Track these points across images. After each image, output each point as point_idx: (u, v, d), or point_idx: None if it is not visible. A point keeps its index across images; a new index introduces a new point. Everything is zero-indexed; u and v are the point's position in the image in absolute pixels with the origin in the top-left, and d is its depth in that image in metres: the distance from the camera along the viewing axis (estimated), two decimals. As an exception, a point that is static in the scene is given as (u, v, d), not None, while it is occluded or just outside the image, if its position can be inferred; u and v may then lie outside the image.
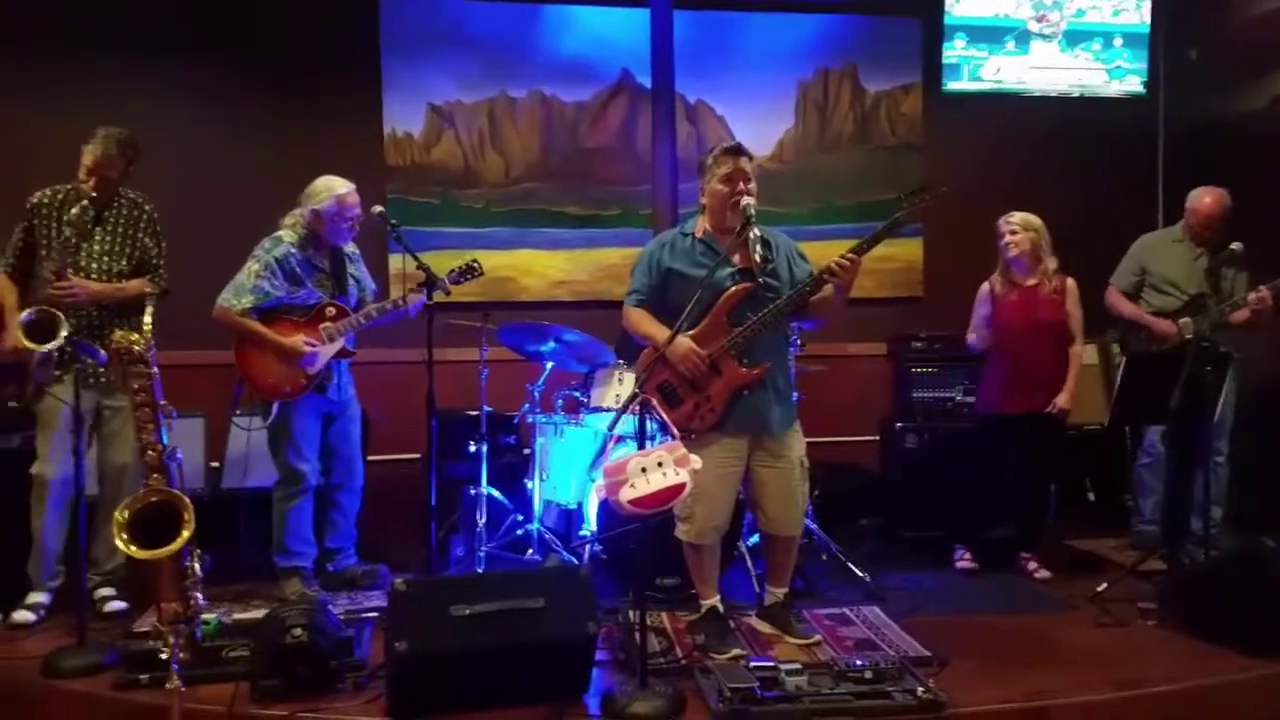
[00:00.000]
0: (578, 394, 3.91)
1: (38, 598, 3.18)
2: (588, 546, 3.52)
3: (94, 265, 3.27)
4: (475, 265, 3.56)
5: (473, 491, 3.69)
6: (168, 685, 2.33)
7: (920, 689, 2.46)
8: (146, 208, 3.41)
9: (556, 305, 4.68)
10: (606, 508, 3.31)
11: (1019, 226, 3.63)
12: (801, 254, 3.05)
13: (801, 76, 4.97)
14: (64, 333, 2.97)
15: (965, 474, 3.70)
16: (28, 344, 2.93)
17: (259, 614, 2.76)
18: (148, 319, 2.65)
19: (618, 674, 2.71)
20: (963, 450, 3.92)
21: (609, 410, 3.64)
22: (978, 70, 4.92)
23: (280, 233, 3.40)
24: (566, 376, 4.04)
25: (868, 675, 2.52)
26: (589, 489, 3.62)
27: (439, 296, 3.35)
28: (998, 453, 3.65)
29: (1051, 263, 3.67)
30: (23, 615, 3.12)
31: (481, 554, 3.57)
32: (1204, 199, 3.95)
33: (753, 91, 4.93)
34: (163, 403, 2.62)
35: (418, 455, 4.09)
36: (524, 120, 4.81)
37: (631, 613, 2.85)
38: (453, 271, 3.49)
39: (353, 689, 2.57)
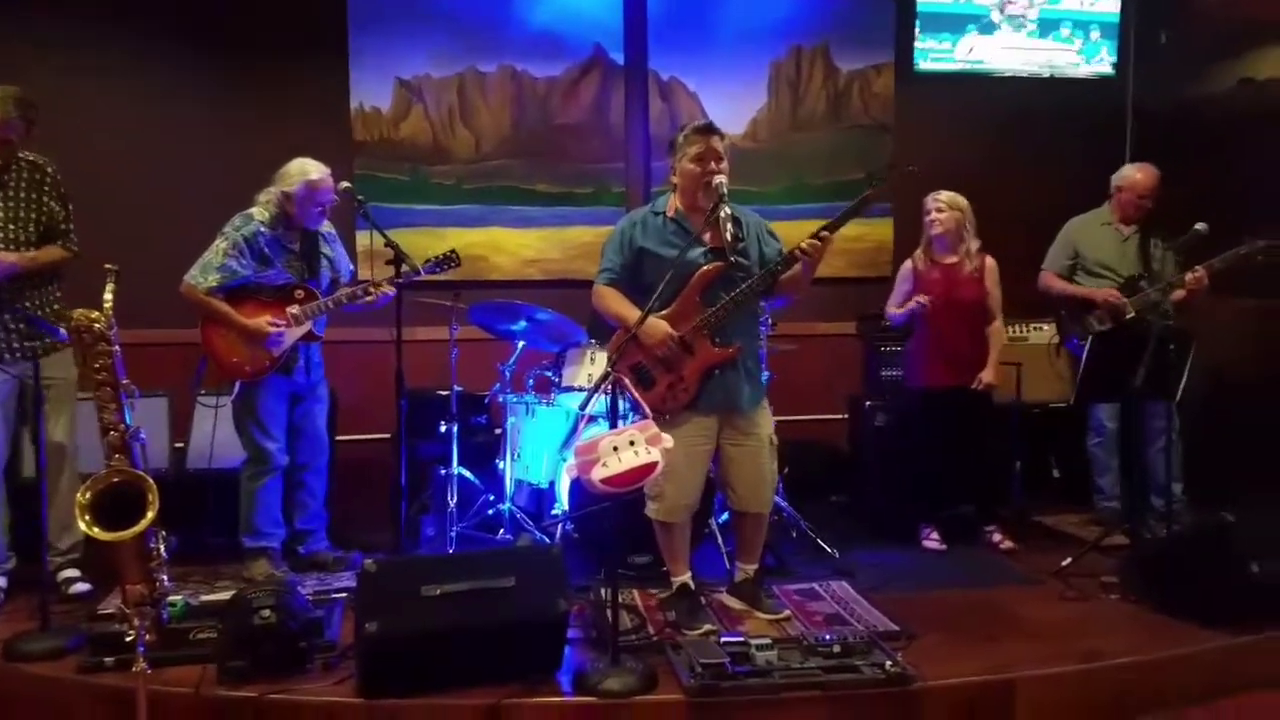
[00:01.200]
0: (549, 373, 3.89)
1: (-11, 578, 3.12)
2: (559, 525, 3.52)
3: None
4: (453, 256, 3.49)
5: (443, 471, 3.68)
6: (133, 668, 2.30)
7: (888, 662, 2.49)
8: (49, 169, 3.23)
9: (528, 284, 4.65)
10: (578, 487, 3.30)
11: (946, 205, 3.71)
12: (771, 232, 3.05)
13: (775, 55, 4.95)
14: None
15: (930, 451, 3.74)
16: None
17: (226, 595, 2.74)
18: (108, 296, 2.59)
19: (590, 651, 2.72)
20: (902, 425, 4.00)
21: (580, 390, 3.63)
22: (949, 52, 4.94)
23: (251, 210, 3.33)
24: (538, 356, 4.02)
25: (836, 649, 2.55)
26: (560, 468, 3.62)
27: (407, 272, 3.32)
28: (926, 427, 3.73)
29: (974, 243, 3.76)
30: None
31: (453, 534, 3.56)
32: (1136, 175, 4.01)
33: (726, 69, 4.90)
34: (125, 382, 2.56)
35: (388, 435, 4.06)
36: (494, 95, 4.75)
37: (603, 590, 2.87)
38: (429, 261, 3.43)
39: (322, 670, 2.56)
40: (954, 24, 4.95)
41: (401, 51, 4.61)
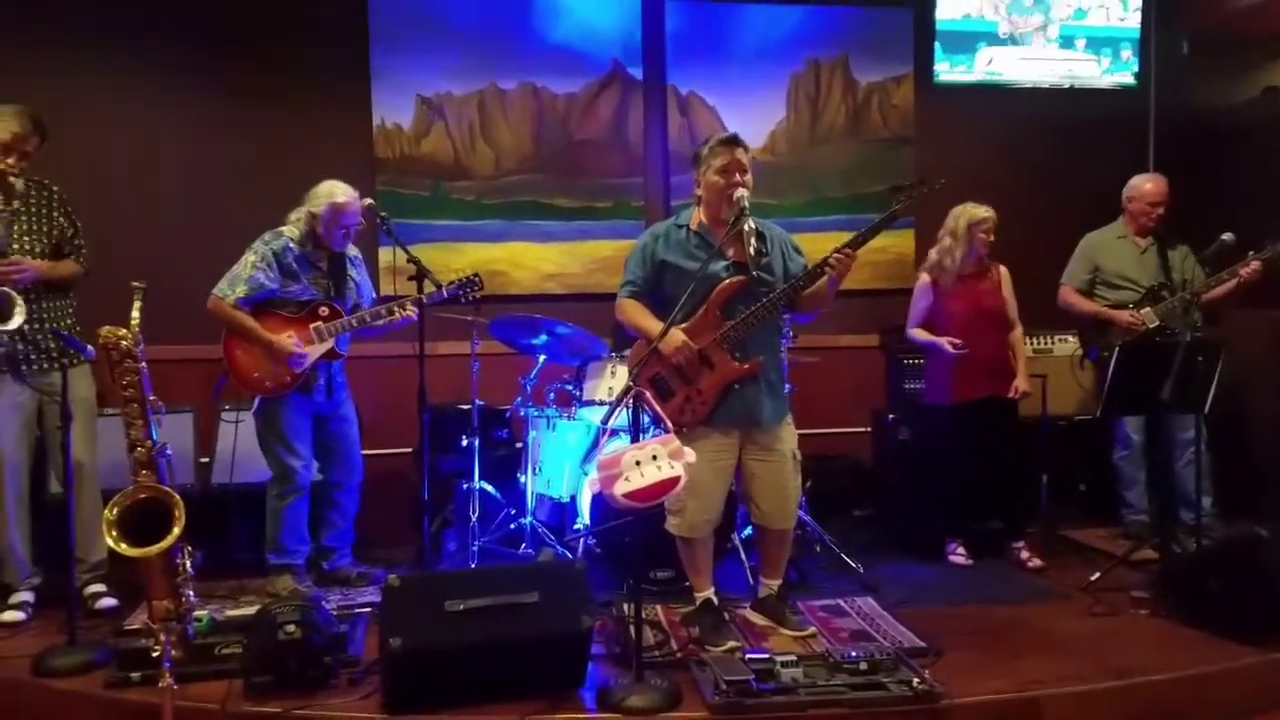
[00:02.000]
0: (570, 387, 3.90)
1: (21, 597, 3.15)
2: (581, 540, 3.51)
3: (15, 248, 3.14)
4: (476, 280, 3.51)
5: (465, 486, 3.68)
6: (160, 683, 2.31)
7: (915, 680, 2.46)
8: (54, 188, 3.29)
9: (548, 298, 4.65)
10: (600, 501, 3.30)
11: (994, 224, 3.65)
12: (796, 247, 3.04)
13: (793, 68, 4.95)
14: (19, 313, 2.93)
15: (960, 465, 3.71)
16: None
17: (251, 611, 2.74)
18: (135, 313, 2.61)
19: (613, 667, 2.70)
20: (926, 440, 3.96)
21: (602, 403, 3.64)
22: (970, 62, 4.93)
23: (282, 227, 3.38)
24: (559, 370, 4.02)
25: (863, 666, 2.52)
26: (582, 483, 3.61)
27: (429, 289, 3.34)
28: (955, 441, 3.68)
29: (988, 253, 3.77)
30: (11, 615, 3.09)
31: (475, 548, 3.56)
32: (1145, 185, 4.02)
33: (745, 83, 4.91)
34: (151, 398, 2.59)
35: (409, 449, 4.07)
36: (514, 112, 4.78)
37: (626, 606, 2.85)
38: (453, 283, 3.46)
39: (347, 685, 2.57)
40: (969, 41, 4.95)
41: (422, 69, 4.65)
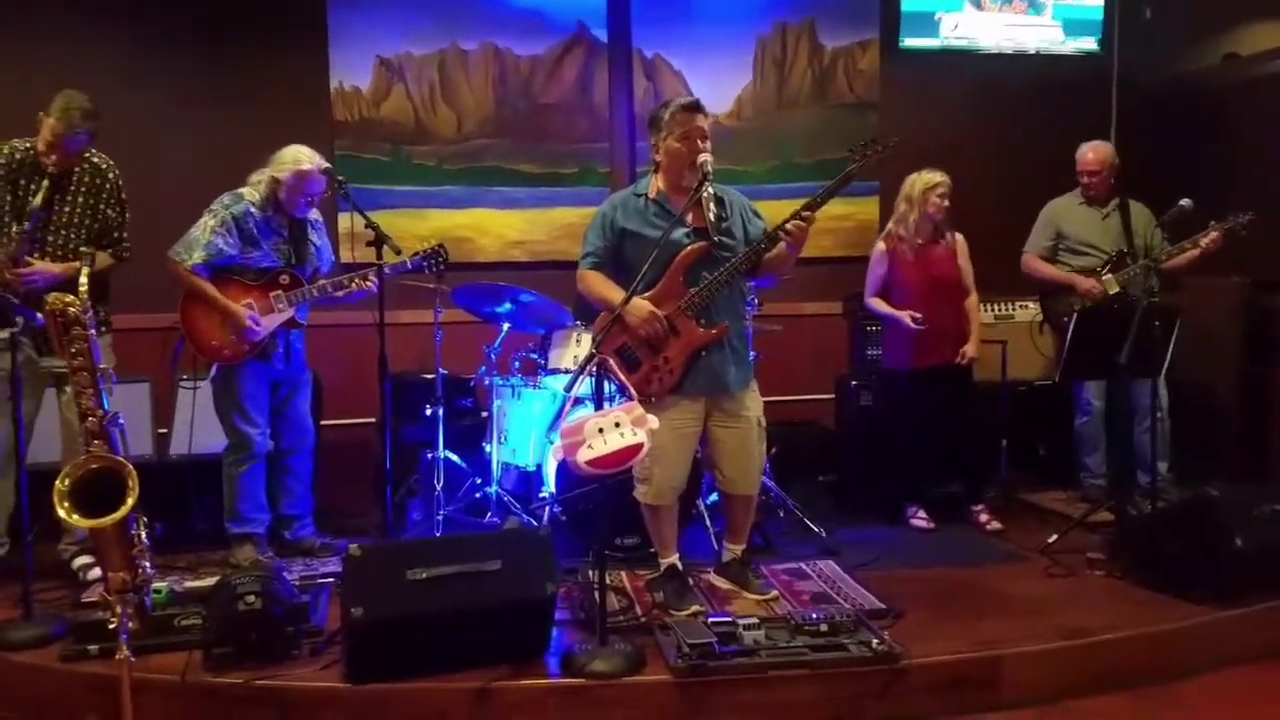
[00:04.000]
0: (535, 356, 3.87)
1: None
2: (547, 508, 3.51)
3: (50, 239, 3.11)
4: (441, 251, 3.46)
5: (429, 455, 3.65)
6: (117, 656, 2.28)
7: (875, 640, 2.50)
8: (110, 175, 3.23)
9: (513, 266, 4.61)
10: (565, 469, 3.29)
11: (948, 189, 3.66)
12: (755, 211, 3.03)
13: (760, 31, 4.90)
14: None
15: (918, 430, 3.75)
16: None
17: (211, 582, 2.71)
18: (83, 280, 2.54)
19: (578, 633, 2.71)
20: (884, 406, 4.00)
21: (567, 372, 3.61)
22: (935, 28, 4.92)
23: (242, 190, 3.29)
24: (523, 338, 3.99)
25: (824, 628, 2.56)
26: (547, 451, 3.60)
27: (390, 257, 3.28)
28: (915, 406, 3.73)
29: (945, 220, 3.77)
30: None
31: (440, 518, 3.54)
32: (1087, 153, 4.06)
33: (711, 46, 4.85)
34: (102, 366, 2.52)
35: (372, 419, 4.03)
36: (476, 74, 4.68)
37: (591, 572, 2.86)
38: (417, 254, 3.41)
39: (309, 655, 2.55)
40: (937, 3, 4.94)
41: (381, 29, 4.54)
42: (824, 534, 3.56)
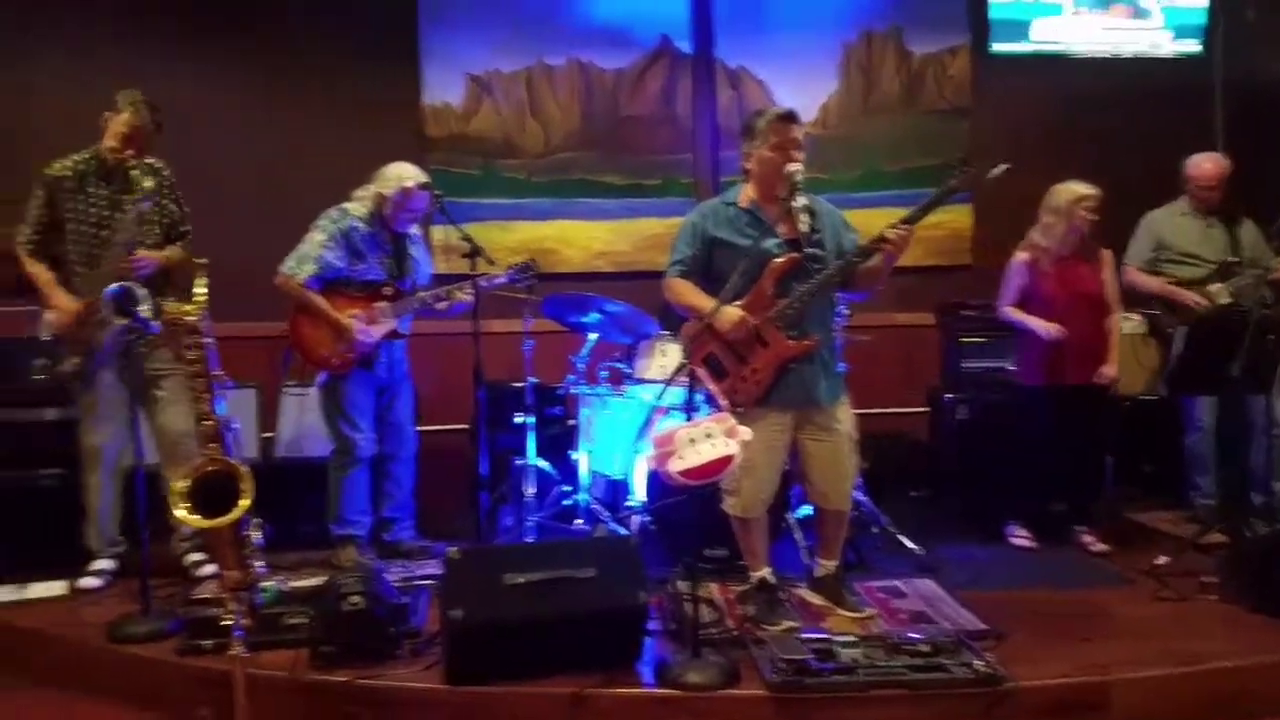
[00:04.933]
0: (621, 365, 3.89)
1: (101, 564, 3.25)
2: (636, 517, 3.52)
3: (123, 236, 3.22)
4: (532, 265, 3.54)
5: (519, 462, 3.70)
6: (230, 652, 2.37)
7: (978, 662, 2.43)
8: (165, 172, 3.35)
9: (598, 276, 4.66)
10: (654, 478, 3.30)
11: (1098, 202, 3.54)
12: (847, 223, 2.99)
13: (845, 39, 4.86)
14: (146, 304, 3.01)
15: (1018, 446, 3.64)
16: (116, 318, 2.98)
17: (315, 582, 2.80)
18: (201, 290, 2.66)
19: (669, 643, 2.71)
20: (1015, 422, 3.85)
21: (653, 382, 3.63)
22: (1025, 32, 4.80)
23: (348, 205, 3.41)
24: (610, 347, 4.02)
25: (924, 648, 2.50)
26: (635, 460, 3.62)
27: (483, 266, 3.36)
28: (1045, 425, 3.58)
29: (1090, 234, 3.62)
30: (88, 581, 3.19)
31: (530, 524, 3.59)
32: (1204, 164, 3.90)
33: (794, 56, 4.83)
34: (217, 373, 2.63)
35: (463, 426, 4.11)
36: (563, 88, 4.76)
37: (681, 583, 2.85)
38: (511, 268, 3.51)
39: (409, 655, 2.60)
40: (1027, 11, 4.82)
41: (471, 47, 4.66)
42: (920, 551, 3.48)
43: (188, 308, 2.63)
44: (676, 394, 3.12)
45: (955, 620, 2.85)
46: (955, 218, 4.81)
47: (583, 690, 2.42)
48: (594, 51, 4.76)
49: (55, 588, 3.17)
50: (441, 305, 3.45)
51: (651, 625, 2.72)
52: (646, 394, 3.64)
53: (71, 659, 2.82)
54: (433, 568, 3.23)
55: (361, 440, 3.42)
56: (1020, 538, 3.69)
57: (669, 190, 4.80)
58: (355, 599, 2.55)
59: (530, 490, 3.62)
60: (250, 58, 4.54)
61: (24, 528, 3.40)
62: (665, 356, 3.66)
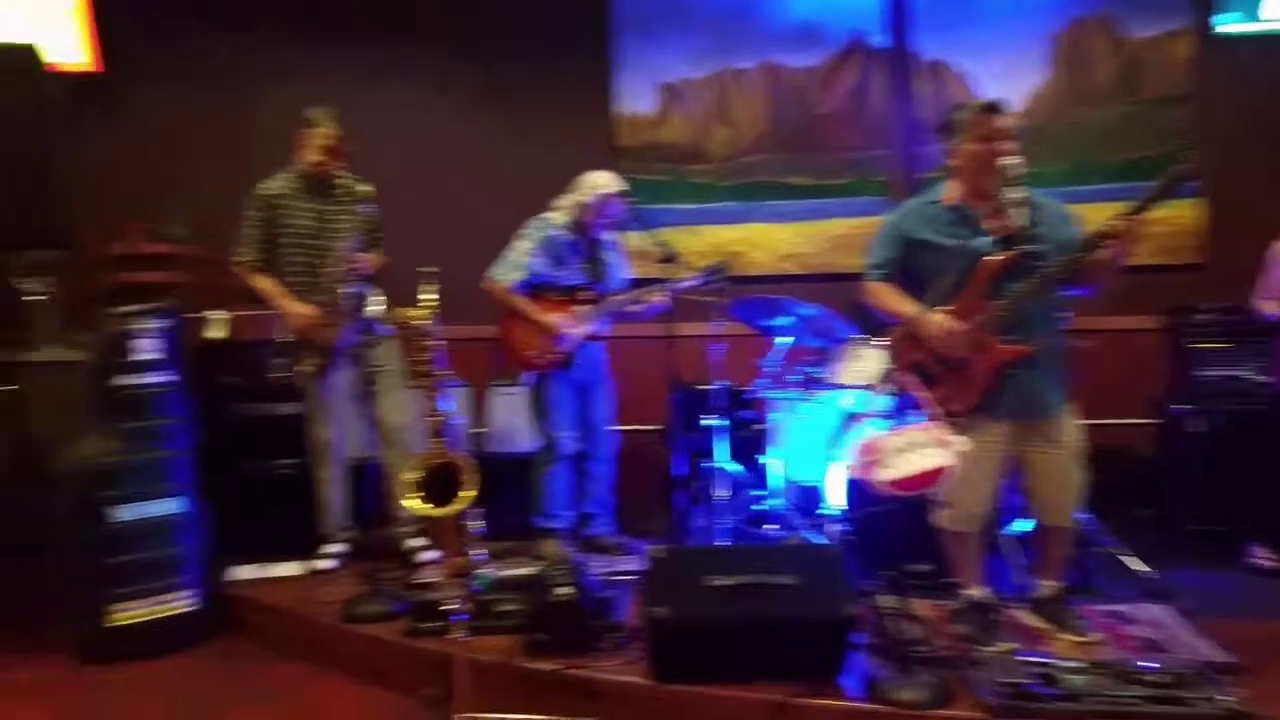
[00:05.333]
0: (813, 369, 3.83)
1: (333, 548, 3.53)
2: (832, 526, 3.45)
3: (325, 243, 3.43)
4: (724, 268, 3.57)
5: (710, 465, 3.72)
6: (453, 635, 2.52)
7: (1223, 697, 2.21)
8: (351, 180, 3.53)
9: (785, 279, 4.61)
10: (857, 487, 3.22)
11: None
12: (1070, 216, 2.78)
13: (1054, 28, 4.57)
14: (379, 305, 3.26)
15: (1259, 461, 3.27)
16: (350, 319, 3.27)
17: (526, 571, 2.92)
18: (427, 295, 2.85)
19: (874, 658, 2.63)
20: (1256, 435, 3.47)
21: (848, 387, 3.54)
22: (1255, 10, 4.33)
23: (548, 214, 3.58)
24: (801, 351, 3.96)
25: (1161, 679, 2.29)
26: (828, 467, 3.55)
27: (678, 274, 3.42)
28: None
29: None
30: (322, 563, 3.48)
31: (721, 527, 3.59)
32: None
33: (996, 47, 4.59)
34: (444, 372, 2.81)
35: (652, 427, 4.18)
36: (752, 92, 4.76)
37: (885, 597, 2.76)
38: (703, 271, 3.56)
39: (612, 649, 2.67)
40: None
41: (663, 56, 4.73)
42: (1151, 574, 3.19)
43: (417, 311, 2.84)
44: (877, 400, 3.03)
45: (1192, 650, 2.60)
46: (1183, 213, 4.40)
47: (788, 699, 2.40)
48: (784, 52, 4.72)
49: (293, 568, 3.48)
50: (636, 308, 3.54)
51: (855, 638, 2.65)
52: (841, 399, 3.57)
53: (310, 636, 3.09)
54: (630, 564, 3.31)
55: (564, 438, 3.56)
56: (1266, 560, 3.32)
57: (860, 189, 4.68)
58: (565, 590, 2.65)
59: (722, 493, 3.63)
60: (449, 76, 4.80)
61: (265, 512, 3.75)
62: (861, 361, 3.56)
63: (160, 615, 3.12)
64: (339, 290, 3.35)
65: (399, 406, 3.45)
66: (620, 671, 2.57)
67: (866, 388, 3.23)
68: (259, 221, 3.44)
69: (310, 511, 3.56)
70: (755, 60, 4.73)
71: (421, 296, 2.91)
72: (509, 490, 3.76)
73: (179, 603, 3.16)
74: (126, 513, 3.12)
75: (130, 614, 3.08)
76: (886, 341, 2.93)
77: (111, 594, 3.07)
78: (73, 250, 3.72)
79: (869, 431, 2.99)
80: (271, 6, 4.75)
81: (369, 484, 3.41)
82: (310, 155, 3.42)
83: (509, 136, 4.76)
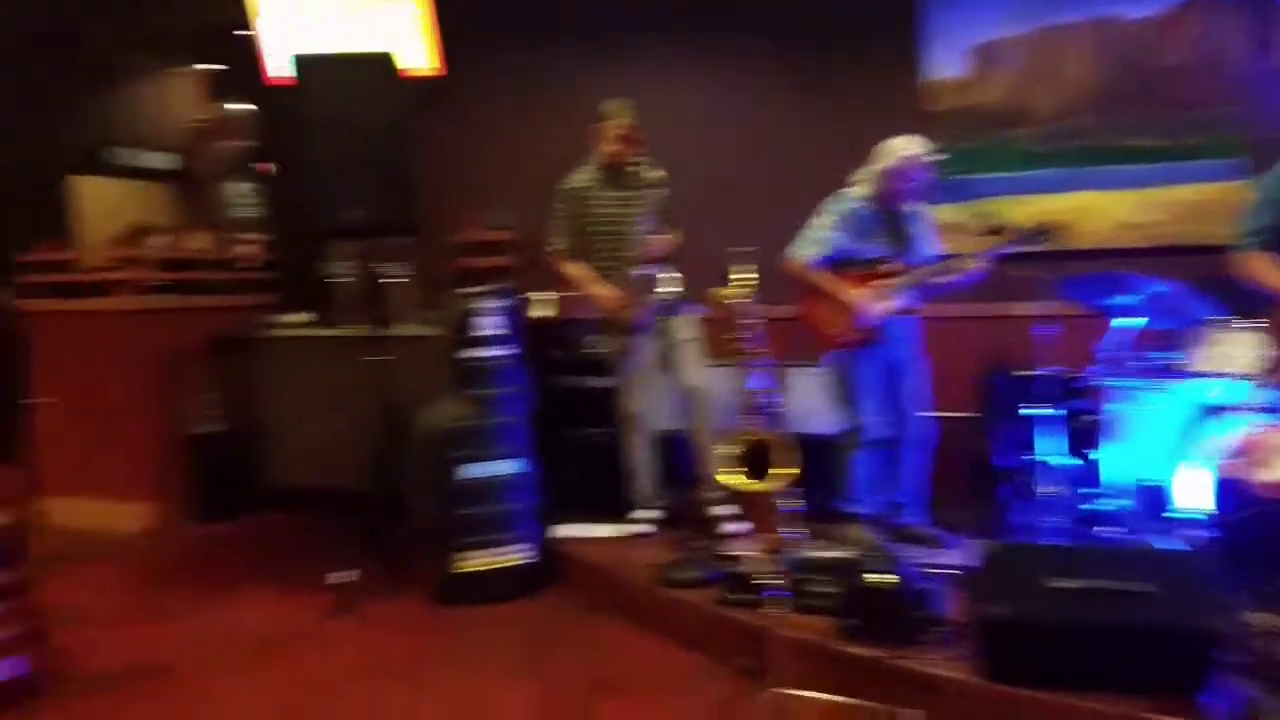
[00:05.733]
0: (1161, 354, 3.40)
1: (646, 514, 3.72)
2: (1187, 530, 3.05)
3: (624, 229, 3.61)
4: (1046, 231, 3.29)
5: (1033, 457, 3.44)
6: (765, 609, 2.55)
7: None
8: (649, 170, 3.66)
9: (1125, 253, 4.11)
10: (1227, 488, 2.82)
11: None
12: None
13: None
14: (673, 284, 3.40)
15: None
16: (648, 298, 3.45)
17: (840, 553, 2.89)
18: (746, 275, 2.88)
19: (1243, 679, 2.29)
20: None
21: (1208, 376, 3.11)
22: None
23: (849, 188, 3.49)
24: (1145, 334, 3.53)
25: None
26: (1179, 464, 3.14)
27: (992, 242, 3.17)
28: None
29: None
30: (636, 528, 3.68)
31: (1049, 525, 3.31)
32: None
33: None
34: (758, 351, 2.83)
35: (963, 414, 3.94)
36: (1079, 47, 4.29)
37: (1256, 612, 2.40)
38: (1016, 236, 3.29)
39: (936, 643, 2.55)
40: None
41: (974, 16, 4.42)
42: None
43: (732, 290, 2.89)
44: (1253, 392, 2.63)
45: None
46: None
47: (1138, 713, 2.16)
48: (1114, 3, 4.21)
49: (610, 530, 3.71)
50: (948, 278, 3.33)
51: (1220, 654, 2.33)
52: (1202, 389, 3.13)
53: (628, 595, 3.28)
54: (947, 557, 3.15)
55: (869, 421, 3.45)
56: None
57: (1214, 151, 4.06)
58: (882, 577, 2.58)
59: (1048, 489, 3.34)
60: (747, 55, 4.81)
61: (581, 476, 4.05)
62: (1229, 346, 3.10)
63: (500, 565, 3.47)
64: (635, 271, 3.52)
65: (698, 372, 3.59)
66: (945, 667, 2.45)
67: (1239, 376, 2.81)
68: (566, 213, 3.72)
69: (620, 478, 3.77)
70: (1082, 13, 4.26)
71: (734, 276, 2.94)
72: (808, 471, 3.73)
73: (517, 555, 3.49)
74: (473, 470, 3.49)
75: (475, 562, 3.46)
76: (1263, 323, 2.54)
77: (460, 543, 3.46)
78: (420, 237, 4.21)
79: (1244, 427, 2.60)
80: (580, 10, 5.04)
81: (679, 453, 3.53)
82: (606, 146, 3.63)
83: (807, 113, 4.69)
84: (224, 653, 3.13)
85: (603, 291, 3.65)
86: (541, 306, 4.25)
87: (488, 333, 3.56)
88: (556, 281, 4.05)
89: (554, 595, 3.50)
